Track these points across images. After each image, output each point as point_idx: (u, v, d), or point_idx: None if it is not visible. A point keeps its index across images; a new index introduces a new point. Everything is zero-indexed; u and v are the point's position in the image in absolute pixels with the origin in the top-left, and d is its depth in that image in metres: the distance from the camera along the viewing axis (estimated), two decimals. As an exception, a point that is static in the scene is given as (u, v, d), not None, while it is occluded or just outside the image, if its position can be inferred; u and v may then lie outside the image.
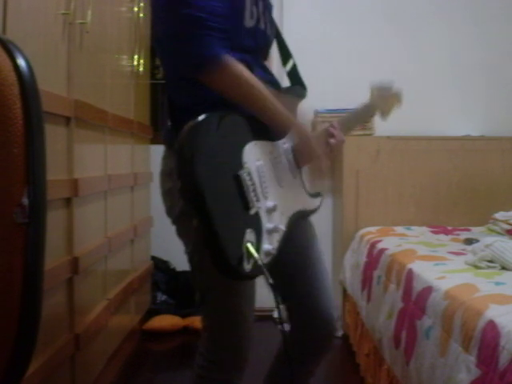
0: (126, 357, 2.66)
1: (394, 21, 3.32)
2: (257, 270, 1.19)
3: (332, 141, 1.47)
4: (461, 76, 3.37)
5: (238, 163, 1.22)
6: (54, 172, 1.61)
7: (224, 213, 1.17)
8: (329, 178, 3.30)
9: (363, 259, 2.59)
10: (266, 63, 1.50)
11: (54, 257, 1.62)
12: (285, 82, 1.56)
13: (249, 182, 1.22)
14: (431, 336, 1.54)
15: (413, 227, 2.93)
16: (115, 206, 2.37)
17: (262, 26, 1.41)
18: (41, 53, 1.54)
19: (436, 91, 3.36)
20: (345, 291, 2.96)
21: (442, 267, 1.85)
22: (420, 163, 3.08)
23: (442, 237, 2.66)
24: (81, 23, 1.82)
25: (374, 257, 2.45)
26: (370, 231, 2.85)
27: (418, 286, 1.78)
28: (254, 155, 1.27)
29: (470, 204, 3.07)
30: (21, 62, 0.94)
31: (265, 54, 1.50)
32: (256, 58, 1.42)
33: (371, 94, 1.76)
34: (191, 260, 1.37)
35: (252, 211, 1.22)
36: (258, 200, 1.24)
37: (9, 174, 0.91)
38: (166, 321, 3.06)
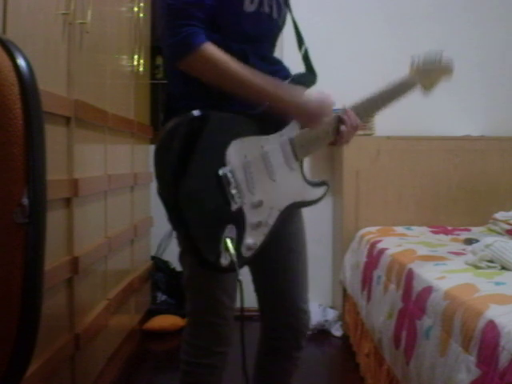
0: (126, 357, 2.66)
1: (393, 21, 3.32)
2: (232, 265, 1.24)
3: (343, 128, 1.48)
4: (461, 76, 3.35)
5: (220, 162, 1.24)
6: (54, 172, 1.61)
7: (201, 211, 1.21)
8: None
9: (363, 259, 2.59)
10: (276, 50, 1.48)
11: (54, 257, 1.62)
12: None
13: (231, 179, 1.24)
14: (431, 336, 1.54)
15: (413, 227, 2.93)
16: (115, 206, 2.37)
17: (267, 9, 1.38)
18: (41, 53, 1.54)
19: (436, 91, 3.36)
20: (345, 291, 2.96)
21: (442, 267, 1.85)
22: (420, 163, 3.08)
23: (442, 237, 2.66)
24: (81, 23, 1.82)
25: (373, 257, 2.45)
26: (369, 231, 2.85)
27: (417, 286, 1.78)
28: (240, 152, 1.28)
29: (470, 204, 3.07)
30: (21, 62, 0.94)
31: (272, 40, 1.48)
32: (257, 47, 1.40)
33: (412, 70, 1.71)
34: (179, 245, 1.42)
35: (233, 207, 1.25)
36: (240, 196, 1.27)
37: (9, 173, 0.91)
38: (166, 321, 3.06)
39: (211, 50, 1.27)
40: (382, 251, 2.38)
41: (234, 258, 1.23)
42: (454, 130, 3.28)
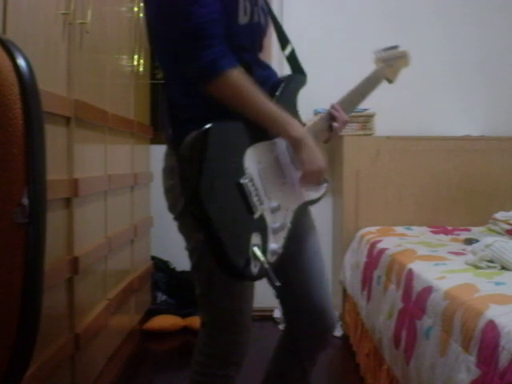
0: (126, 357, 2.66)
1: (394, 21, 3.32)
2: (263, 272, 1.24)
3: (335, 124, 1.50)
4: (461, 76, 3.37)
5: (240, 170, 1.25)
6: (54, 172, 1.61)
7: (229, 222, 1.22)
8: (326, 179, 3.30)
9: (363, 259, 2.59)
10: (261, 54, 1.49)
11: (54, 257, 1.62)
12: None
13: (251, 188, 1.25)
14: (431, 336, 1.54)
15: (413, 227, 2.93)
16: (115, 206, 2.37)
17: (256, 18, 1.39)
18: (41, 53, 1.54)
19: (436, 91, 3.36)
20: (345, 291, 2.96)
21: (442, 267, 1.85)
22: (420, 163, 3.08)
23: (442, 237, 2.66)
24: (81, 23, 1.82)
25: (373, 257, 2.45)
26: (369, 231, 2.85)
27: (417, 286, 1.78)
28: (255, 159, 1.29)
29: (470, 204, 3.07)
30: (21, 62, 0.94)
31: (260, 46, 1.48)
32: (253, 54, 1.42)
33: (376, 63, 1.77)
34: (191, 256, 1.40)
35: (256, 215, 1.26)
36: (261, 203, 1.28)
37: (9, 174, 0.91)
38: (166, 321, 3.06)
39: (238, 75, 1.27)
40: (381, 251, 2.38)
41: (266, 265, 1.24)
42: (454, 130, 3.28)
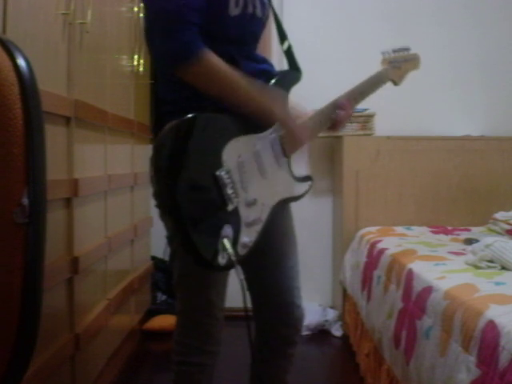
0: (126, 357, 2.66)
1: (394, 21, 3.32)
2: (230, 264, 1.26)
3: (341, 112, 1.51)
4: (461, 76, 3.37)
5: (217, 163, 1.26)
6: (54, 172, 1.61)
7: (199, 213, 1.22)
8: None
9: (363, 259, 2.59)
10: (258, 47, 1.49)
11: (53, 257, 1.62)
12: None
13: (227, 180, 1.26)
14: (431, 336, 1.54)
15: (413, 227, 2.93)
16: (115, 206, 2.37)
17: (250, 9, 1.38)
18: (41, 53, 1.54)
19: (436, 91, 3.36)
20: (345, 291, 2.96)
21: (442, 267, 1.85)
22: (420, 163, 3.08)
23: (442, 237, 2.66)
24: (81, 23, 1.82)
25: (373, 257, 2.45)
26: (370, 231, 2.85)
27: (417, 286, 1.78)
28: (235, 152, 1.30)
29: (470, 204, 3.07)
30: (21, 62, 0.94)
31: (256, 38, 1.48)
32: (243, 47, 1.41)
33: (382, 64, 1.79)
34: (170, 245, 1.45)
35: (230, 207, 1.27)
36: (236, 196, 1.28)
37: (9, 174, 0.91)
38: (166, 321, 3.06)
39: (211, 57, 1.27)
40: (381, 251, 2.38)
41: (233, 258, 1.25)
42: (454, 130, 3.28)
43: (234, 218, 1.29)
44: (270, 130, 1.41)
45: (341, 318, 3.09)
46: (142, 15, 2.78)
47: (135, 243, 2.76)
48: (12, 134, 0.91)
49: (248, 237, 1.32)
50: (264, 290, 1.55)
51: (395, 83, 1.83)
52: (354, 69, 3.32)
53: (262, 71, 1.43)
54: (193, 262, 1.25)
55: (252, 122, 1.35)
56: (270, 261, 1.53)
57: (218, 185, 1.25)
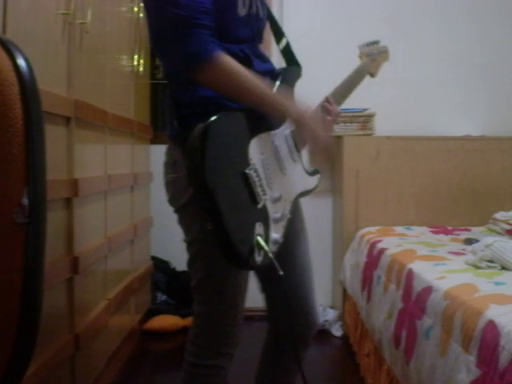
0: (126, 357, 2.66)
1: (393, 21, 3.32)
2: (267, 261, 1.26)
3: (328, 118, 1.52)
4: (461, 76, 3.37)
5: (245, 161, 1.27)
6: (54, 172, 1.61)
7: (234, 212, 1.23)
8: (329, 160, 3.31)
9: (363, 259, 2.59)
10: (261, 46, 1.52)
11: (53, 257, 1.62)
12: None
13: (255, 178, 1.28)
14: (431, 336, 1.54)
15: (413, 227, 2.93)
16: (115, 206, 2.37)
17: (254, 9, 1.42)
18: (41, 53, 1.54)
19: (436, 91, 3.37)
20: (345, 291, 2.96)
21: (442, 267, 1.85)
22: (420, 163, 3.08)
23: (442, 237, 2.66)
24: (81, 23, 1.82)
25: (374, 257, 2.45)
26: (370, 231, 2.85)
27: (417, 286, 1.78)
28: (258, 150, 1.32)
29: (470, 204, 3.07)
30: (21, 62, 0.94)
31: (260, 38, 1.51)
32: (253, 46, 1.44)
33: (361, 57, 1.82)
34: (190, 248, 1.42)
35: (260, 205, 1.29)
36: (264, 193, 1.30)
37: (9, 174, 0.91)
38: (166, 321, 3.06)
39: (226, 58, 1.27)
40: (381, 251, 2.38)
41: (270, 254, 1.26)
42: (454, 130, 3.29)
43: (264, 216, 1.30)
44: (283, 127, 1.44)
45: (341, 318, 3.09)
46: (142, 15, 2.78)
47: (135, 243, 2.76)
48: (12, 134, 0.91)
49: (277, 233, 1.34)
50: (278, 292, 1.52)
51: (372, 75, 1.86)
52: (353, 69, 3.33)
53: (268, 70, 1.46)
54: (229, 261, 1.25)
55: (267, 119, 1.37)
56: (294, 266, 1.52)
57: (248, 183, 1.26)
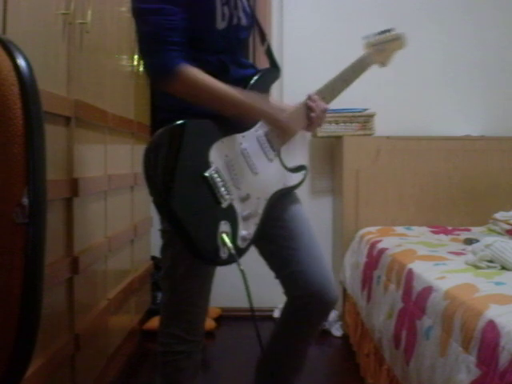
0: (126, 357, 2.66)
1: (393, 21, 3.29)
2: (231, 257, 1.34)
3: (312, 115, 1.56)
4: (461, 76, 3.37)
5: (205, 164, 1.34)
6: (54, 172, 1.61)
7: (195, 213, 1.31)
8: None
9: (363, 259, 2.59)
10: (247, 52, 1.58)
11: (53, 257, 1.62)
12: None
13: (217, 179, 1.34)
14: (431, 336, 1.54)
15: (413, 227, 2.93)
16: (115, 206, 2.37)
17: (235, 21, 1.48)
18: (41, 53, 1.54)
19: (436, 91, 3.37)
20: (345, 291, 2.96)
21: (442, 267, 1.85)
22: (420, 163, 3.08)
23: (442, 237, 2.66)
24: (81, 23, 1.82)
25: (374, 257, 2.45)
26: (369, 231, 2.85)
27: (417, 286, 1.78)
28: (221, 153, 1.38)
29: (470, 204, 3.07)
30: (21, 62, 0.94)
31: (243, 45, 1.58)
32: (231, 55, 1.50)
33: (365, 48, 1.82)
34: (162, 237, 1.52)
35: (224, 204, 1.35)
36: (229, 193, 1.37)
37: (9, 174, 0.91)
38: (166, 321, 3.06)
39: (189, 72, 1.36)
40: (382, 251, 2.38)
41: (233, 251, 1.32)
42: (454, 130, 3.29)
43: (231, 214, 1.37)
44: (254, 128, 1.49)
45: (341, 318, 3.09)
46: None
47: (135, 243, 2.76)
48: (12, 133, 0.91)
49: (246, 230, 1.40)
50: (289, 270, 1.55)
51: (383, 65, 1.84)
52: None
53: (247, 76, 1.52)
54: (196, 258, 1.32)
55: (236, 123, 1.43)
56: (286, 243, 1.55)
57: (209, 184, 1.33)
